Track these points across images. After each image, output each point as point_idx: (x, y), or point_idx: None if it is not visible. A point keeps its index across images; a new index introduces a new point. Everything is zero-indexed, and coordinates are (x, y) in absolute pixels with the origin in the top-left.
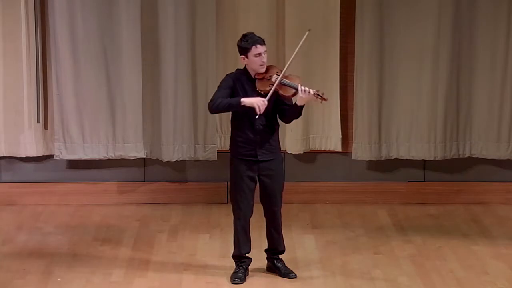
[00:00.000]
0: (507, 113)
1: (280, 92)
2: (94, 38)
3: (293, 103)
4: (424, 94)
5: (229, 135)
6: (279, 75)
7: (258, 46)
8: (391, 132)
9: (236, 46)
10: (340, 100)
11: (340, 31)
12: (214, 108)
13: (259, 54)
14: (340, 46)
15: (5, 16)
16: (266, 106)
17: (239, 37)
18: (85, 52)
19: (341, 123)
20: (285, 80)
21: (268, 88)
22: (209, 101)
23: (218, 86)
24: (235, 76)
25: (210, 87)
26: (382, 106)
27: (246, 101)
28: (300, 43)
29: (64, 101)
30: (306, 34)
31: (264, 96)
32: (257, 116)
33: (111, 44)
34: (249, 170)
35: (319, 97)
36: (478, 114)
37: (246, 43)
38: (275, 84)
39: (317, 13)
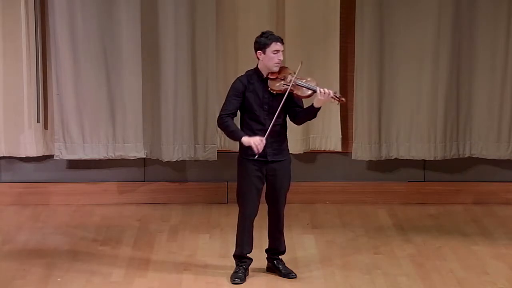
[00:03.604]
0: (507, 113)
1: (296, 92)
2: (94, 38)
3: (301, 104)
4: (424, 94)
5: None
6: (291, 77)
7: (278, 43)
8: (391, 132)
9: (232, 45)
10: None
11: (340, 31)
12: (221, 127)
13: (277, 51)
14: (340, 46)
15: (5, 16)
16: (264, 144)
17: (239, 37)
18: (85, 52)
19: (341, 123)
20: (302, 81)
21: (282, 88)
22: (221, 110)
23: (229, 94)
24: (246, 79)
25: (210, 87)
26: (382, 106)
27: (245, 141)
28: (297, 72)
29: (64, 101)
30: (299, 67)
31: (275, 95)
32: (255, 157)
33: (111, 44)
34: (258, 170)
35: (337, 98)
36: (478, 114)
37: (266, 39)
38: (291, 84)
39: (317, 13)
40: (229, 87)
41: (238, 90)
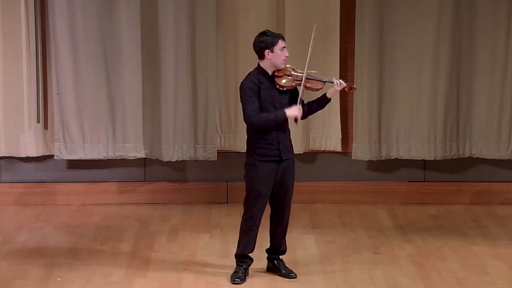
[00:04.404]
0: (507, 113)
1: (309, 86)
2: (94, 38)
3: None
4: (424, 94)
5: (229, 135)
6: (299, 72)
7: (283, 40)
8: (391, 132)
9: (232, 45)
10: (340, 100)
11: (340, 31)
12: (259, 123)
13: (284, 48)
14: (340, 46)
15: (5, 16)
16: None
17: (239, 37)
18: (85, 52)
19: (341, 123)
20: (313, 75)
21: (293, 84)
22: (247, 116)
23: (247, 96)
24: (255, 79)
25: (210, 87)
26: (382, 106)
27: (290, 113)
28: (312, 40)
29: (64, 101)
30: (314, 30)
31: (284, 92)
32: (297, 124)
33: (111, 44)
34: (272, 171)
35: (349, 87)
36: (478, 114)
37: (272, 37)
38: (304, 79)
39: (317, 13)
40: (241, 91)
41: (254, 89)
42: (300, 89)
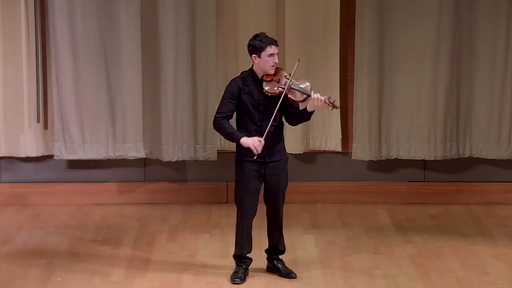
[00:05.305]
0: (507, 113)
1: (290, 96)
2: (94, 38)
3: (299, 107)
4: (424, 94)
5: None
6: (288, 79)
7: (273, 46)
8: (391, 132)
9: (232, 45)
10: (340, 100)
11: (340, 31)
12: (218, 129)
13: (272, 55)
14: (340, 46)
15: (5, 16)
16: (262, 145)
17: (239, 37)
18: (85, 52)
19: (341, 123)
20: (296, 85)
21: (277, 91)
22: (216, 112)
23: (224, 96)
24: (240, 81)
25: (210, 87)
26: (382, 106)
27: (244, 142)
28: (293, 71)
29: (64, 101)
30: (296, 65)
31: (270, 97)
32: (254, 158)
33: (111, 44)
34: (257, 171)
35: (331, 104)
36: (478, 114)
37: (261, 42)
38: (286, 88)
39: (317, 13)
40: (225, 90)
41: (233, 92)
42: (279, 101)
